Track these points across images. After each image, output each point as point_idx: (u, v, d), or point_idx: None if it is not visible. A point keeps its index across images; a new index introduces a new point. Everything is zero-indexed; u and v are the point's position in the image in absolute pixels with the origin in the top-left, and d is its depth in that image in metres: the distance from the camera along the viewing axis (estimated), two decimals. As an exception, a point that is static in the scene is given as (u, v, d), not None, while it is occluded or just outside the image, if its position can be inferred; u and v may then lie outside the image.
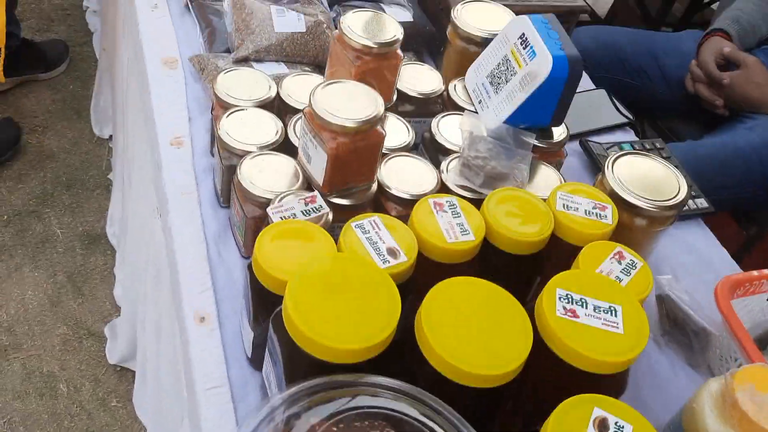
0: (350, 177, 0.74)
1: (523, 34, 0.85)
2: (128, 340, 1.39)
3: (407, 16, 1.08)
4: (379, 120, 0.71)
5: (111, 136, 2.00)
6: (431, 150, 0.87)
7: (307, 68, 0.99)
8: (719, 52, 1.49)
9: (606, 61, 1.67)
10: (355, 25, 0.81)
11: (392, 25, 0.83)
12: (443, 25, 1.08)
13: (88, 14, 2.37)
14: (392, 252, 0.62)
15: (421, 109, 0.92)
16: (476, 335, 0.54)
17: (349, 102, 0.70)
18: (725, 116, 1.52)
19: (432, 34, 1.10)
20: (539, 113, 0.85)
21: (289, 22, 0.98)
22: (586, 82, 1.17)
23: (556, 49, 0.81)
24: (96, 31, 2.30)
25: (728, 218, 1.59)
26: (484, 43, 0.93)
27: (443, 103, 0.94)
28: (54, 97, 2.12)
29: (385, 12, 1.07)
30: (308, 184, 0.75)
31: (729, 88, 1.46)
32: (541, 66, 0.81)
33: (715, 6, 2.50)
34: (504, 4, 1.05)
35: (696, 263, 0.91)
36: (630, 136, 1.07)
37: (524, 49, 0.84)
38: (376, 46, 0.80)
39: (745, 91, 1.45)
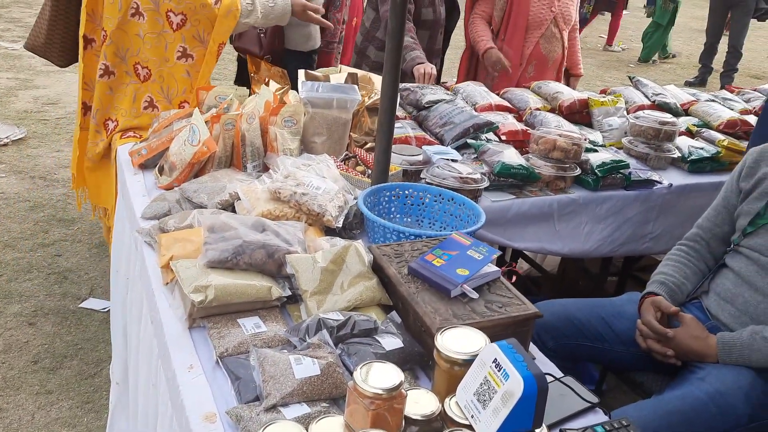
0: None
1: (496, 359, 1.08)
2: None
3: (398, 342, 1.32)
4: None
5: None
6: (441, 466, 1.05)
7: (325, 404, 1.19)
8: (657, 309, 1.77)
9: (565, 330, 1.91)
10: (365, 377, 1.03)
11: (394, 372, 1.05)
12: (429, 344, 1.32)
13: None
14: None
15: (425, 428, 1.11)
16: None
17: (374, 451, 0.90)
18: (679, 365, 1.74)
19: (421, 353, 1.34)
20: (521, 421, 1.05)
21: (306, 369, 1.20)
22: (554, 369, 1.39)
23: (524, 370, 1.04)
24: (110, 359, 2.51)
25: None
26: (465, 364, 1.15)
27: (443, 419, 1.13)
28: (69, 432, 2.25)
29: (380, 343, 1.32)
30: None
31: (674, 343, 1.70)
32: (514, 386, 1.03)
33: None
34: (472, 323, 1.31)
35: None
36: (600, 416, 1.26)
37: (499, 371, 1.06)
38: (384, 393, 1.01)
39: (689, 344, 1.69)
